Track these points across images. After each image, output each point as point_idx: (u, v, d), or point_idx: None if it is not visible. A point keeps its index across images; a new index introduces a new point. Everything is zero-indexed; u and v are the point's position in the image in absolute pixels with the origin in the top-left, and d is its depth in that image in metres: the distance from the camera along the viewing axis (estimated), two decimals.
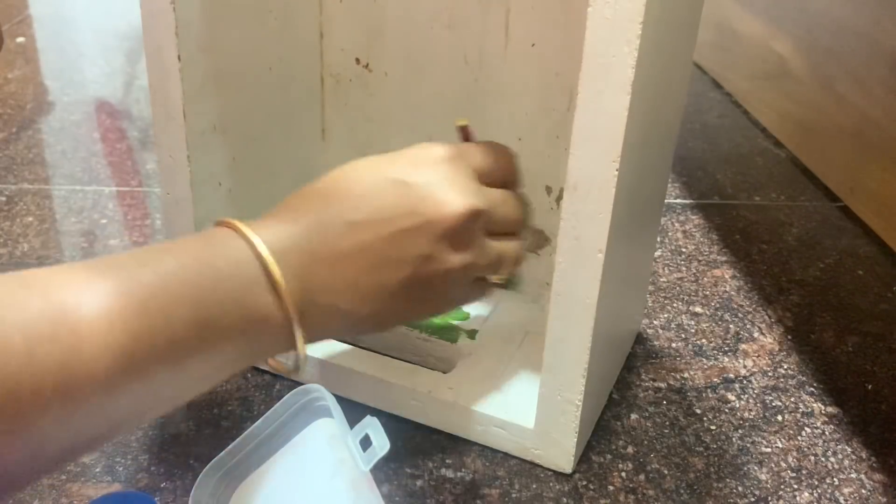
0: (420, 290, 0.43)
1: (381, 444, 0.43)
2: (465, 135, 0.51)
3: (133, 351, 0.32)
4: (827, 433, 0.59)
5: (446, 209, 0.42)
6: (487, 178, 0.46)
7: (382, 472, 0.53)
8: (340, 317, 0.42)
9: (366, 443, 0.44)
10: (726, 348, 0.67)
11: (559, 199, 0.65)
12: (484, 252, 0.45)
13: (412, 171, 0.43)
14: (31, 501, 0.50)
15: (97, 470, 0.52)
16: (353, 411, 0.58)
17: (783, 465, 0.56)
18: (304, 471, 0.47)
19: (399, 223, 0.41)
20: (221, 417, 0.57)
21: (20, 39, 1.32)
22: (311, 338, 0.41)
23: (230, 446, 0.47)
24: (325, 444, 0.47)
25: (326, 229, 0.41)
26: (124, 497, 0.47)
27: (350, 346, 0.60)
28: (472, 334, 0.62)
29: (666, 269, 0.78)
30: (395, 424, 0.57)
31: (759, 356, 0.67)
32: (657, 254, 0.81)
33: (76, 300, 0.32)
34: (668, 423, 0.59)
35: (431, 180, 0.43)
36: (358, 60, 0.68)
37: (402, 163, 0.44)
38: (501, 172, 0.47)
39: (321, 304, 0.40)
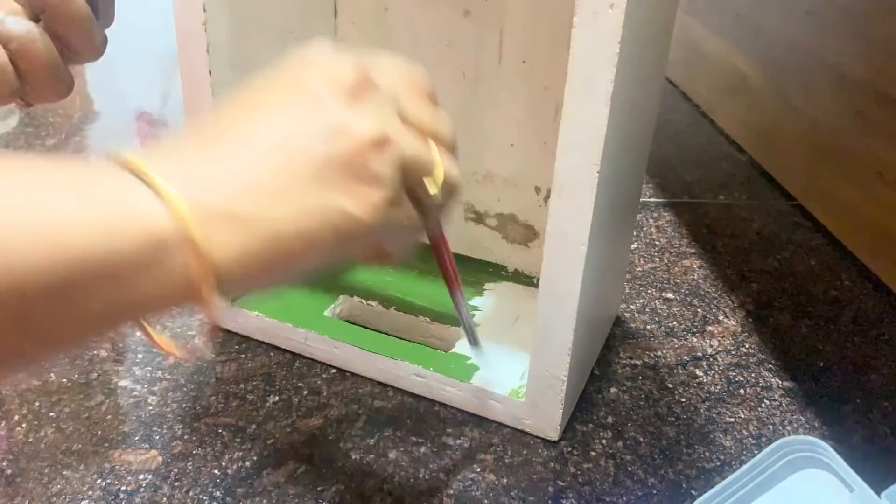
0: (335, 175, 0.29)
1: None
2: None
3: None
4: (784, 405, 0.59)
5: (335, 71, 0.31)
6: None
7: (390, 440, 0.53)
8: (246, 228, 0.27)
9: None
10: (695, 330, 0.67)
11: (547, 197, 0.65)
12: (402, 133, 0.32)
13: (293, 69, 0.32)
14: (78, 465, 0.50)
15: (136, 438, 0.52)
16: (364, 385, 0.58)
17: (745, 433, 0.56)
18: None
19: (286, 105, 0.30)
20: (247, 392, 0.57)
21: None
22: (225, 267, 0.26)
23: (711, 491, 0.43)
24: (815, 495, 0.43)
25: (201, 132, 0.29)
26: None
27: (362, 328, 0.60)
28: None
29: (641, 259, 0.78)
30: (402, 398, 0.57)
31: (723, 337, 0.66)
32: (633, 246, 0.80)
33: None
34: (643, 396, 0.59)
35: (315, 60, 0.32)
36: None
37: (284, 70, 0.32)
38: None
39: (213, 208, 0.27)
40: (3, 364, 0.25)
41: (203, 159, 0.28)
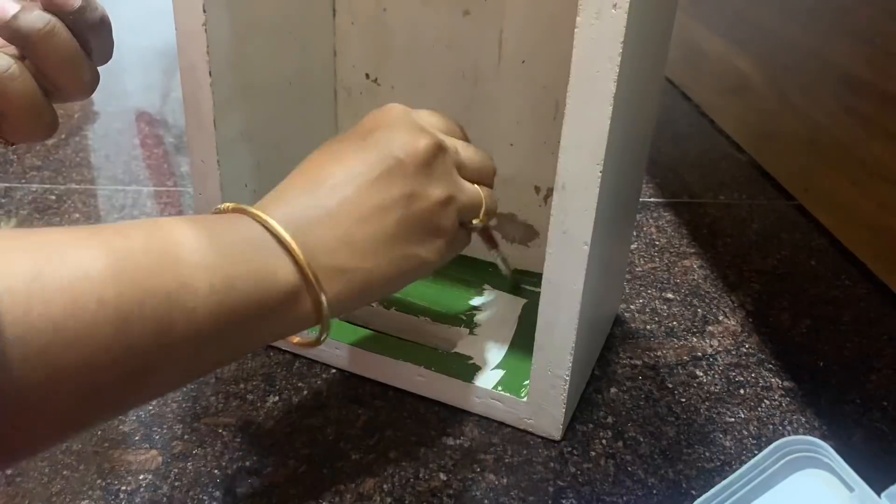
0: (414, 232, 0.40)
1: None
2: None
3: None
4: (784, 405, 0.58)
5: (414, 144, 0.40)
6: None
7: (390, 440, 0.53)
8: (347, 277, 0.38)
9: None
10: (695, 330, 0.67)
11: (546, 197, 0.64)
12: (461, 188, 0.43)
13: (376, 130, 0.41)
14: (77, 466, 0.50)
15: (136, 438, 0.52)
16: (364, 385, 0.57)
17: (745, 433, 0.55)
18: None
19: (375, 171, 0.39)
20: (247, 392, 0.57)
21: None
22: (332, 306, 0.37)
23: (711, 491, 0.43)
24: (815, 496, 0.43)
25: (312, 197, 0.38)
26: None
27: (363, 329, 0.60)
28: (470, 318, 0.61)
29: (641, 259, 0.78)
30: (402, 398, 0.57)
31: (723, 337, 0.66)
32: (633, 246, 0.80)
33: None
34: (643, 396, 0.59)
35: (396, 127, 0.41)
36: (367, 75, 0.67)
37: (367, 128, 0.42)
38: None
39: (325, 266, 0.37)
40: (174, 386, 0.33)
41: (315, 220, 0.37)
